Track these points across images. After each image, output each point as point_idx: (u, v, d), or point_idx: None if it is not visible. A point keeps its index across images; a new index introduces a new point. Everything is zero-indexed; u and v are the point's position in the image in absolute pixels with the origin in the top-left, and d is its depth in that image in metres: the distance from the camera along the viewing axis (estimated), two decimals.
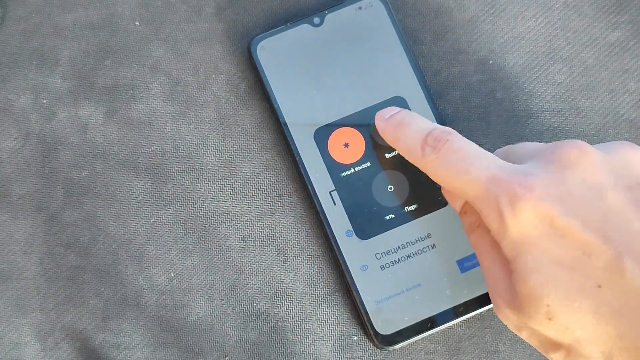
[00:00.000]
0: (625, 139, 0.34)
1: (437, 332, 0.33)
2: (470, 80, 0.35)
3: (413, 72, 0.34)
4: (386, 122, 0.31)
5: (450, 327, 0.33)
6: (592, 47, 0.36)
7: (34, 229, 0.34)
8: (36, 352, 0.33)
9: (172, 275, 0.34)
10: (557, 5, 0.36)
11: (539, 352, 0.33)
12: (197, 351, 0.33)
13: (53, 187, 0.34)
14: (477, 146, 0.28)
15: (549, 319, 0.25)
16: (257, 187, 0.34)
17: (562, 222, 0.25)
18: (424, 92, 0.34)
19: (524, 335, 0.27)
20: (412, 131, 0.30)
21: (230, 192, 0.34)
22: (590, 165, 0.26)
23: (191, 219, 0.34)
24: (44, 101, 0.35)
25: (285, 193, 0.34)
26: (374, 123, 0.32)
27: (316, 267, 0.34)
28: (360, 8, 0.34)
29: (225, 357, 0.33)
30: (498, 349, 0.33)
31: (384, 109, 0.32)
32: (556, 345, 0.26)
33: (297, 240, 0.34)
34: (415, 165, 0.29)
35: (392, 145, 0.31)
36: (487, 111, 0.35)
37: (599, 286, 0.24)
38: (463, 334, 0.33)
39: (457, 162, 0.27)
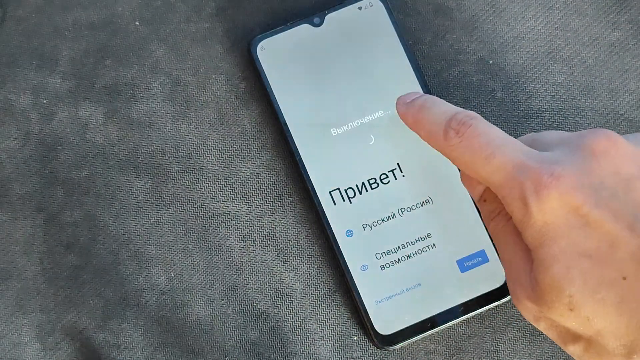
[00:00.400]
0: None
1: (437, 332, 0.33)
2: (470, 80, 0.35)
3: (413, 72, 0.34)
4: (407, 106, 0.30)
5: (450, 327, 0.33)
6: (592, 47, 0.36)
7: (34, 229, 0.34)
8: (36, 352, 0.33)
9: (172, 275, 0.34)
10: (557, 5, 0.36)
11: (540, 352, 0.33)
12: (197, 351, 0.33)
13: (53, 187, 0.34)
14: (502, 132, 0.27)
15: (571, 310, 0.25)
16: (257, 187, 0.34)
17: (591, 213, 0.24)
18: (424, 92, 0.34)
19: (542, 326, 0.27)
20: (434, 114, 0.29)
21: (230, 192, 0.34)
22: (620, 155, 0.25)
23: (191, 219, 0.34)
24: (44, 101, 0.35)
25: (285, 193, 0.34)
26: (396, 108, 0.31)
27: (316, 267, 0.34)
28: (360, 8, 0.34)
29: (225, 357, 0.33)
30: (498, 348, 0.33)
31: (405, 94, 0.31)
32: (576, 337, 0.25)
33: (297, 240, 0.34)
34: (438, 150, 0.29)
35: (413, 130, 0.30)
36: (487, 111, 0.35)
37: (624, 278, 0.24)
38: (463, 334, 0.33)
39: (482, 147, 0.27)
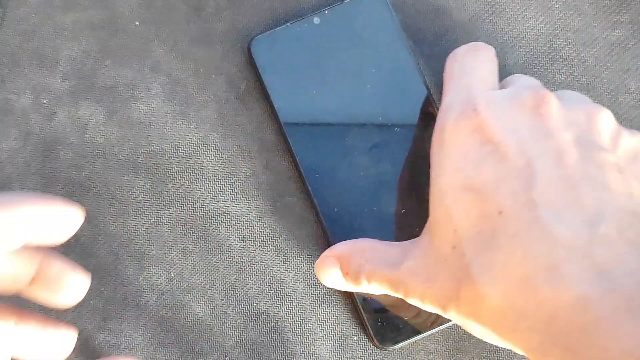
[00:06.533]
0: None
1: (437, 332, 0.33)
2: None
3: (414, 70, 0.34)
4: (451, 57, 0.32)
5: (450, 327, 0.33)
6: (592, 46, 0.36)
7: None
8: None
9: (172, 275, 0.34)
10: (557, 5, 0.36)
11: None
12: (197, 351, 0.33)
13: (53, 187, 0.34)
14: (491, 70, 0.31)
15: (453, 248, 0.25)
16: (257, 187, 0.34)
17: (502, 142, 0.26)
18: (425, 91, 0.34)
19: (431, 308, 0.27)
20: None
21: (230, 192, 0.34)
22: (545, 112, 0.27)
23: (191, 219, 0.34)
24: (44, 101, 0.35)
25: (285, 193, 0.34)
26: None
27: None
28: (359, 7, 0.34)
29: (225, 357, 0.33)
30: (498, 348, 0.33)
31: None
32: (452, 293, 0.26)
33: (297, 240, 0.34)
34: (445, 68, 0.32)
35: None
36: None
37: (500, 212, 0.25)
38: (463, 334, 0.33)
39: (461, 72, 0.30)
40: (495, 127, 0.26)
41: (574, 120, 0.27)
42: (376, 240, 0.30)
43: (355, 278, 0.29)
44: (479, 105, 0.27)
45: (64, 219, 0.23)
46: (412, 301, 0.27)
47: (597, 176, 0.25)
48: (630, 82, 0.35)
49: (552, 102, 0.27)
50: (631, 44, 0.36)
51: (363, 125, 0.34)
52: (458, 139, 0.27)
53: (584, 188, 0.24)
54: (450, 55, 0.32)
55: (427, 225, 0.28)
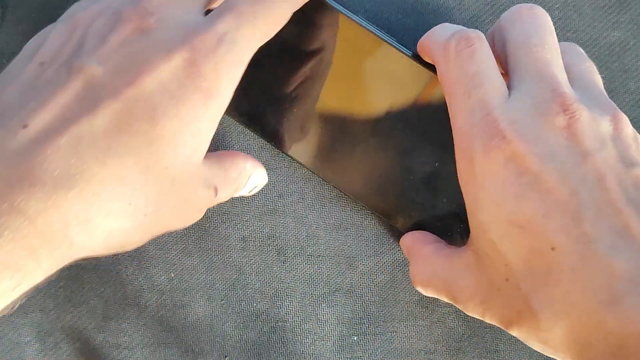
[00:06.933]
0: None
1: (437, 332, 0.33)
2: None
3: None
4: (423, 38, 0.30)
5: (450, 327, 0.33)
6: (592, 46, 0.36)
7: None
8: (36, 352, 0.33)
9: (172, 275, 0.34)
10: (557, 5, 0.36)
11: (539, 353, 0.33)
12: (197, 351, 0.33)
13: None
14: (494, 63, 0.27)
15: (506, 280, 0.25)
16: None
17: (540, 174, 0.25)
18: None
19: (487, 317, 0.27)
20: (441, 31, 0.29)
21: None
22: (577, 131, 0.25)
23: None
24: None
25: (285, 193, 0.34)
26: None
27: (316, 267, 0.34)
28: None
29: (225, 357, 0.33)
30: (498, 348, 0.33)
31: None
32: (513, 316, 0.26)
33: (297, 240, 0.34)
34: (435, 64, 0.29)
35: (422, 55, 0.30)
36: None
37: (553, 248, 0.24)
38: (463, 334, 0.33)
39: (468, 76, 0.27)
40: (531, 155, 0.25)
41: (604, 134, 0.26)
42: (422, 243, 0.31)
43: (412, 281, 0.31)
44: (506, 132, 0.25)
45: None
46: (471, 314, 0.28)
47: (637, 197, 0.25)
48: (630, 82, 0.35)
49: (582, 116, 0.26)
50: (631, 44, 0.36)
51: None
52: (492, 171, 0.25)
53: (629, 212, 0.24)
54: (441, 50, 0.28)
55: (471, 248, 0.28)
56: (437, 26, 0.30)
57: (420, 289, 0.30)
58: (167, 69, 0.24)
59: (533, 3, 0.36)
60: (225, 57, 0.25)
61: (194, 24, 0.25)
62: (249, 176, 0.31)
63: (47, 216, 0.22)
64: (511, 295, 0.25)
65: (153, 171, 0.24)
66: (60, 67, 0.24)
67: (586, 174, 0.25)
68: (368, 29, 0.31)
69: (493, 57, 0.28)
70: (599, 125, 0.26)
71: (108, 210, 0.23)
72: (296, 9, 0.28)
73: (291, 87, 0.32)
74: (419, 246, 0.31)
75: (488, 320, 0.27)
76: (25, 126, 0.23)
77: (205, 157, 0.27)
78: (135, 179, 0.23)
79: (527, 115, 0.26)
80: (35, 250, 0.22)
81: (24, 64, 0.25)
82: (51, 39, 0.26)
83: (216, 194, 0.28)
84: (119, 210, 0.24)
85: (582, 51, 0.30)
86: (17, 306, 0.23)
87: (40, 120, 0.23)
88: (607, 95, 0.28)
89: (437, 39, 0.28)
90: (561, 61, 0.28)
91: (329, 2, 0.31)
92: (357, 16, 0.32)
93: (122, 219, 0.24)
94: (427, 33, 0.30)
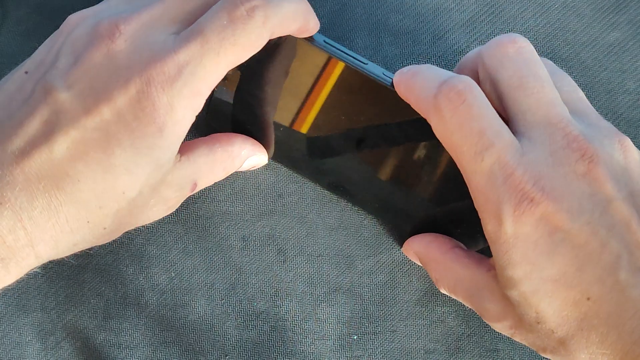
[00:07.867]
0: None
1: (437, 331, 0.33)
2: None
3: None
4: (402, 74, 0.29)
5: (450, 326, 0.33)
6: (591, 47, 0.36)
7: None
8: (37, 352, 0.33)
9: (173, 274, 0.34)
10: (556, 6, 0.36)
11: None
12: (198, 350, 0.33)
13: None
14: (493, 113, 0.26)
15: (538, 323, 0.26)
16: (257, 187, 0.35)
17: (571, 231, 0.25)
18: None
19: (517, 338, 0.28)
20: (427, 77, 0.27)
21: (230, 192, 0.34)
22: (600, 176, 0.25)
23: (191, 219, 0.34)
24: None
25: (285, 193, 0.34)
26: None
27: (316, 266, 0.34)
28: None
29: (225, 356, 0.33)
30: (498, 347, 0.33)
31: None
32: (546, 345, 0.27)
33: (297, 240, 0.34)
34: (426, 117, 0.27)
35: (405, 98, 0.29)
36: None
37: (588, 298, 0.25)
38: (463, 333, 0.33)
39: (474, 134, 0.26)
40: (560, 213, 0.25)
41: (621, 172, 0.26)
42: (441, 249, 0.31)
43: (437, 286, 0.31)
44: (534, 194, 0.25)
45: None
46: (498, 330, 0.29)
47: None
48: (629, 82, 0.35)
49: (599, 157, 0.26)
50: (629, 44, 0.36)
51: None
52: (523, 232, 0.25)
53: None
54: (432, 108, 0.27)
55: (496, 281, 0.28)
56: (415, 74, 0.28)
57: (445, 293, 0.31)
58: (123, 100, 0.25)
59: (533, 3, 0.36)
60: (181, 91, 0.25)
61: (160, 47, 0.25)
62: (243, 160, 0.31)
63: (15, 233, 0.24)
64: (545, 334, 0.26)
65: (110, 195, 0.25)
66: (37, 83, 0.25)
67: (614, 222, 0.25)
68: (350, 65, 0.30)
69: (489, 103, 0.26)
70: (612, 159, 0.26)
71: (69, 229, 0.25)
72: (272, 37, 0.27)
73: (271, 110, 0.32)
74: (437, 252, 0.31)
75: (517, 340, 0.28)
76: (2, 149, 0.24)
77: (191, 147, 0.28)
78: (92, 202, 0.25)
79: (548, 168, 0.25)
80: (4, 261, 0.24)
81: (18, 68, 0.27)
82: (41, 46, 0.27)
83: (193, 189, 0.29)
84: (78, 227, 0.25)
85: (557, 67, 0.30)
86: None
87: (14, 143, 0.24)
88: (600, 116, 0.28)
89: (423, 95, 0.27)
90: (558, 93, 0.27)
91: (315, 44, 0.30)
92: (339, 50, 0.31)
93: (82, 234, 0.25)
94: (406, 83, 0.28)
